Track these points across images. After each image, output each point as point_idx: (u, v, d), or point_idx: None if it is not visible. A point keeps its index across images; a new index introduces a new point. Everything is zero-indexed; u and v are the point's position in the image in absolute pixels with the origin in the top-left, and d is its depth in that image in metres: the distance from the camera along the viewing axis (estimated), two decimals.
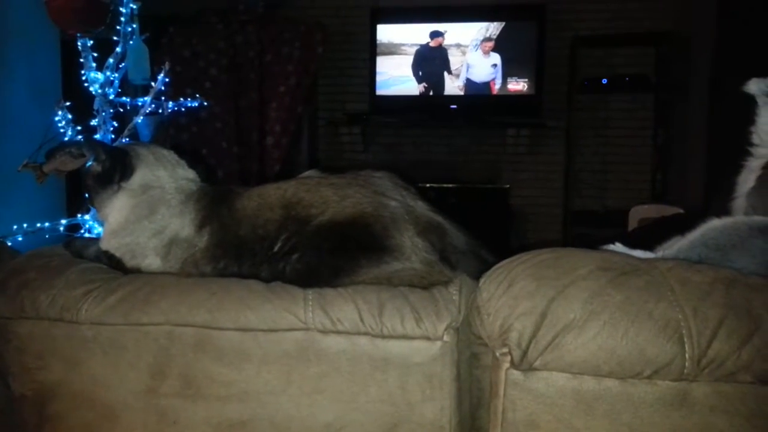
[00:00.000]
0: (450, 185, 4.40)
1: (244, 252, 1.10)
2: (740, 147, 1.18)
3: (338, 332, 0.97)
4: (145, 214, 1.16)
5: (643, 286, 0.88)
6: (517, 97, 4.41)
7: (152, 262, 1.15)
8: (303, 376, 0.99)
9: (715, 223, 1.01)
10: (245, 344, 0.99)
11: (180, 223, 1.15)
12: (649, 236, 1.14)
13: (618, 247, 1.08)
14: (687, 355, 0.82)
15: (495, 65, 4.40)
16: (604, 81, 4.25)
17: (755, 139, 1.10)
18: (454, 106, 4.45)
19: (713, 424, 0.84)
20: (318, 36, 4.33)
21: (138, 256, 1.16)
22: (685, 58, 4.02)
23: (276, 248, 1.07)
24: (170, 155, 1.24)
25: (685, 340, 0.83)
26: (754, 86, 1.01)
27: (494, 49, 4.38)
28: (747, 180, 1.11)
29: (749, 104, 3.19)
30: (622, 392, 0.86)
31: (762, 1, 3.03)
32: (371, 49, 4.48)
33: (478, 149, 4.62)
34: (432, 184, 4.33)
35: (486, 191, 4.49)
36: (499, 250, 1.13)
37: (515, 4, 4.45)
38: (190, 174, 1.24)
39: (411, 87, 4.50)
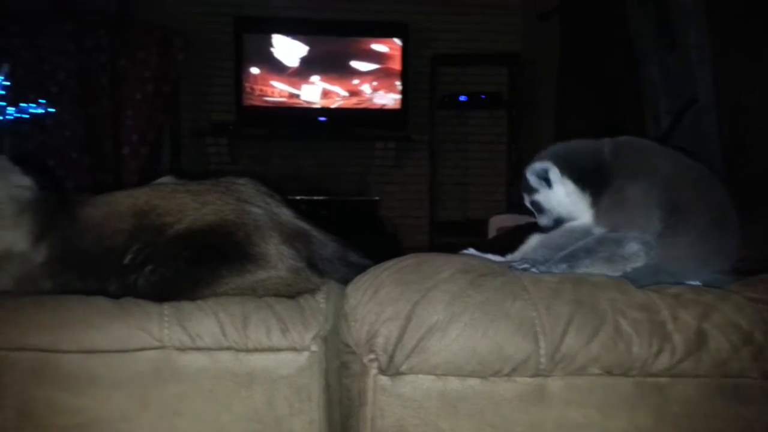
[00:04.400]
0: (320, 198, 4.39)
1: (89, 266, 1.00)
2: None
3: (198, 349, 0.91)
4: None
5: (500, 286, 0.91)
6: (384, 111, 4.51)
7: None
8: (160, 399, 0.91)
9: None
10: (92, 368, 0.90)
11: (13, 236, 1.03)
12: (504, 243, 1.20)
13: (471, 251, 1.12)
14: (542, 351, 0.86)
15: (363, 79, 4.47)
16: (463, 98, 4.48)
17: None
18: (323, 119, 4.46)
19: (568, 417, 0.88)
20: (177, 42, 4.15)
21: None
22: (534, 77, 4.35)
23: (126, 260, 0.99)
24: (2, 160, 1.11)
25: (540, 336, 0.86)
26: (531, 177, 1.11)
27: (363, 63, 4.46)
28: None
29: (591, 120, 3.48)
30: (485, 391, 0.88)
31: (595, 23, 3.35)
32: (237, 58, 4.38)
33: (346, 162, 4.66)
34: (302, 197, 4.29)
35: (356, 204, 4.53)
36: (372, 254, 1.13)
37: (381, 21, 4.56)
38: (26, 181, 1.11)
39: (279, 98, 4.44)
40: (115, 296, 0.97)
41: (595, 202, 1.05)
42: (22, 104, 2.78)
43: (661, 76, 2.82)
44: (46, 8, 3.93)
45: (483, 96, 4.50)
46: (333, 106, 4.49)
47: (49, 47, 3.92)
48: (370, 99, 4.49)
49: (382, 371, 0.89)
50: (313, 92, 4.46)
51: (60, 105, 3.70)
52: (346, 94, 4.49)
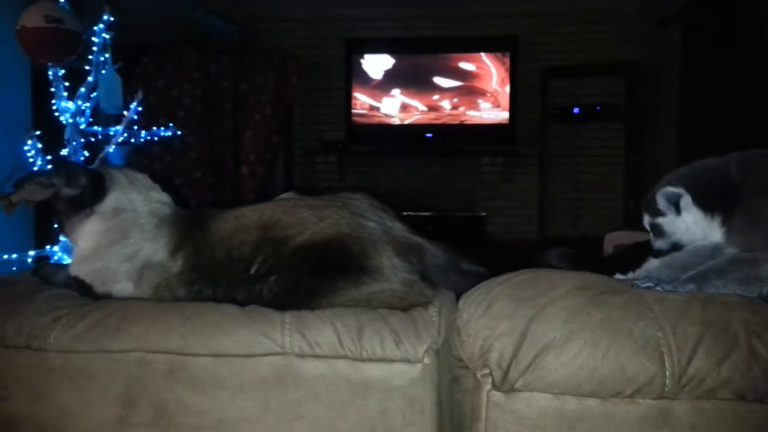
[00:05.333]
0: (426, 213, 4.40)
1: (220, 275, 1.07)
2: None
3: (317, 356, 0.95)
4: (117, 238, 1.13)
5: (622, 304, 0.88)
6: (492, 125, 4.47)
7: (124, 287, 1.12)
8: (281, 403, 0.96)
9: None
10: (220, 370, 0.96)
11: (153, 248, 1.13)
12: (623, 261, 1.16)
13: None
14: (668, 373, 0.82)
15: (469, 94, 4.47)
16: (576, 110, 4.34)
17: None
18: (429, 135, 4.49)
19: None
20: (293, 66, 4.36)
21: (109, 282, 1.13)
22: (654, 86, 4.13)
23: (252, 270, 1.05)
24: (144, 178, 1.22)
25: (666, 357, 0.82)
26: (660, 200, 1.06)
27: (468, 79, 4.46)
28: None
29: (716, 130, 3.24)
30: (604, 412, 0.84)
31: (721, 30, 3.14)
32: (346, 79, 4.52)
33: (453, 178, 4.65)
34: (408, 213, 4.32)
35: (462, 219, 4.51)
36: (486, 263, 1.13)
37: (489, 36, 4.54)
38: (164, 197, 1.21)
39: (386, 116, 4.54)
40: (242, 304, 1.03)
41: (726, 221, 0.99)
42: (153, 128, 3.04)
43: None
44: (174, 38, 4.27)
45: (598, 107, 4.34)
46: (440, 122, 4.51)
47: (177, 75, 4.25)
48: (479, 114, 4.46)
49: (496, 387, 0.88)
50: (421, 108, 4.52)
51: (186, 128, 3.98)
52: (452, 109, 4.50)
